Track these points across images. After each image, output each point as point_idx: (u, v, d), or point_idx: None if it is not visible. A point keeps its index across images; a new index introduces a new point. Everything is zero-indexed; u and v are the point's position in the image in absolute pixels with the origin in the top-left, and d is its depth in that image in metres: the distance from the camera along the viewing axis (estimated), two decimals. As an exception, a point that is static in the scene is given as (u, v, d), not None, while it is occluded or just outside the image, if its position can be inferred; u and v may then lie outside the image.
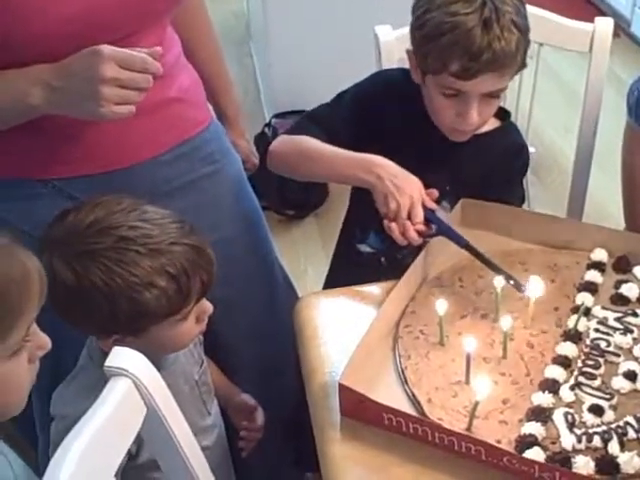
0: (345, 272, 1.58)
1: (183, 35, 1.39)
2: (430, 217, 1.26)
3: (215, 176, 1.42)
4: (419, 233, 1.24)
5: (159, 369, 1.20)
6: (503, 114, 1.47)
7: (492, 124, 1.44)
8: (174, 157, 1.34)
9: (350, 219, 1.58)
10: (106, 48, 1.09)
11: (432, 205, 1.27)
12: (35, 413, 1.47)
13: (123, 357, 0.96)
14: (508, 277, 1.24)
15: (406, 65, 1.42)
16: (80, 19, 1.12)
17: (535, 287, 1.22)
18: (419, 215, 1.24)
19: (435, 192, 1.29)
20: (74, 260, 1.08)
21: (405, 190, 1.24)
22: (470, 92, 1.30)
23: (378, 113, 1.41)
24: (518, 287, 1.23)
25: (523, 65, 1.33)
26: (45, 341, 0.93)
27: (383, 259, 1.53)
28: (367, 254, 1.53)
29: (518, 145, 1.49)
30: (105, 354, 1.14)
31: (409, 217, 1.24)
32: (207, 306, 1.19)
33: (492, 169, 1.42)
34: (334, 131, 1.39)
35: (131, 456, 1.17)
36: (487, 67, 1.26)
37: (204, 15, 1.54)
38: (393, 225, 1.24)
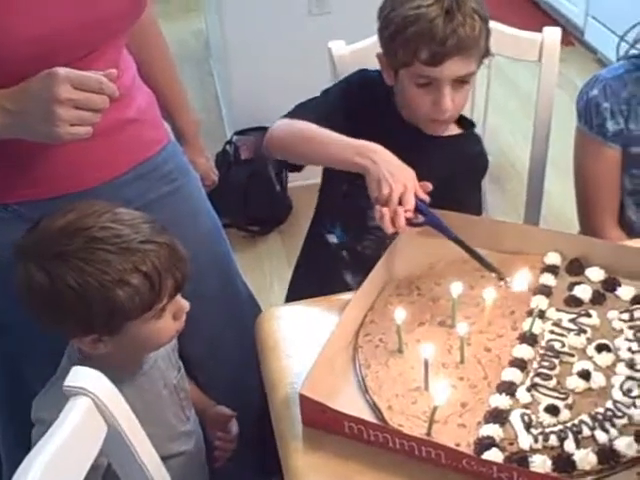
0: (313, 265, 1.62)
1: (138, 56, 1.40)
2: (421, 207, 1.27)
3: (174, 194, 1.43)
4: (407, 221, 1.25)
5: (140, 372, 1.24)
6: (468, 125, 1.53)
7: (456, 130, 1.50)
8: (134, 177, 1.35)
9: (321, 209, 1.61)
10: (61, 70, 1.10)
11: (424, 196, 1.28)
12: (1, 441, 1.47)
13: (82, 376, 0.97)
14: (493, 269, 1.28)
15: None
16: (42, 41, 1.13)
17: (522, 280, 1.27)
18: (410, 202, 1.25)
19: (429, 185, 1.30)
20: (47, 263, 1.11)
21: (399, 177, 1.26)
22: (441, 78, 1.36)
23: (354, 111, 1.46)
24: (503, 279, 1.28)
25: (487, 52, 1.41)
26: None
27: (345, 252, 1.56)
28: (334, 246, 1.57)
29: (477, 152, 1.54)
30: (84, 359, 1.16)
31: (400, 204, 1.25)
32: (183, 303, 1.21)
33: (453, 172, 1.46)
34: (326, 119, 1.42)
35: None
36: (453, 52, 1.33)
37: (158, 36, 1.56)
38: (385, 210, 1.24)
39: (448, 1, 1.33)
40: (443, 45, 1.33)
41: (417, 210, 1.26)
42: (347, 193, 1.51)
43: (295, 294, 1.67)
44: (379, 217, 1.25)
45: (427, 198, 1.29)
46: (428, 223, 1.29)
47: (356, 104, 1.47)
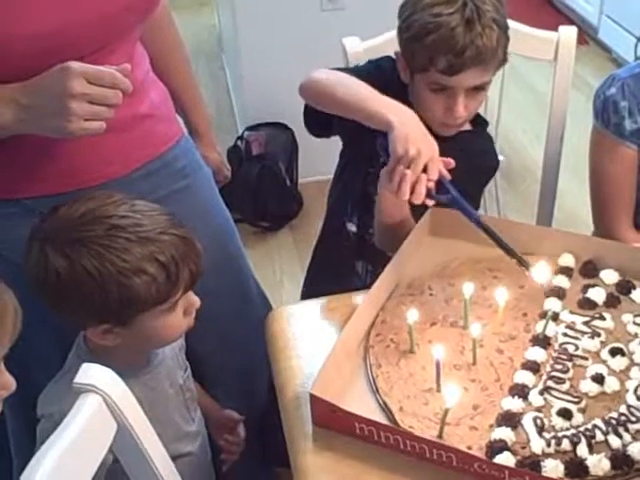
0: (329, 254, 1.61)
1: (152, 51, 1.40)
2: (444, 182, 1.22)
3: (187, 190, 1.42)
4: (427, 193, 1.20)
5: (146, 369, 1.25)
6: (481, 123, 1.51)
7: (467, 127, 1.48)
8: (146, 173, 1.35)
9: (341, 197, 1.59)
10: (75, 64, 1.09)
11: (446, 173, 1.25)
12: (11, 437, 1.46)
13: (92, 373, 0.97)
14: (517, 257, 1.26)
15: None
16: (51, 36, 1.12)
17: (543, 272, 1.25)
18: (435, 172, 1.20)
19: (452, 161, 1.26)
20: (67, 247, 1.12)
21: (427, 144, 1.22)
22: (456, 87, 1.36)
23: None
24: (526, 266, 1.25)
25: (504, 60, 1.40)
26: (10, 382, 0.93)
27: (356, 244, 1.55)
28: (352, 235, 1.56)
29: (484, 150, 1.51)
30: (92, 352, 1.16)
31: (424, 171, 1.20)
32: (194, 299, 1.22)
33: (456, 167, 1.45)
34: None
35: (116, 459, 1.17)
36: (471, 62, 1.33)
37: (173, 31, 1.55)
38: (408, 172, 1.19)
39: (469, 10, 1.32)
40: (461, 56, 1.32)
41: (438, 185, 1.22)
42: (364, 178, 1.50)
43: (311, 287, 1.66)
44: (399, 178, 1.20)
45: (448, 176, 1.25)
46: (450, 201, 1.25)
47: (379, 86, 1.44)
